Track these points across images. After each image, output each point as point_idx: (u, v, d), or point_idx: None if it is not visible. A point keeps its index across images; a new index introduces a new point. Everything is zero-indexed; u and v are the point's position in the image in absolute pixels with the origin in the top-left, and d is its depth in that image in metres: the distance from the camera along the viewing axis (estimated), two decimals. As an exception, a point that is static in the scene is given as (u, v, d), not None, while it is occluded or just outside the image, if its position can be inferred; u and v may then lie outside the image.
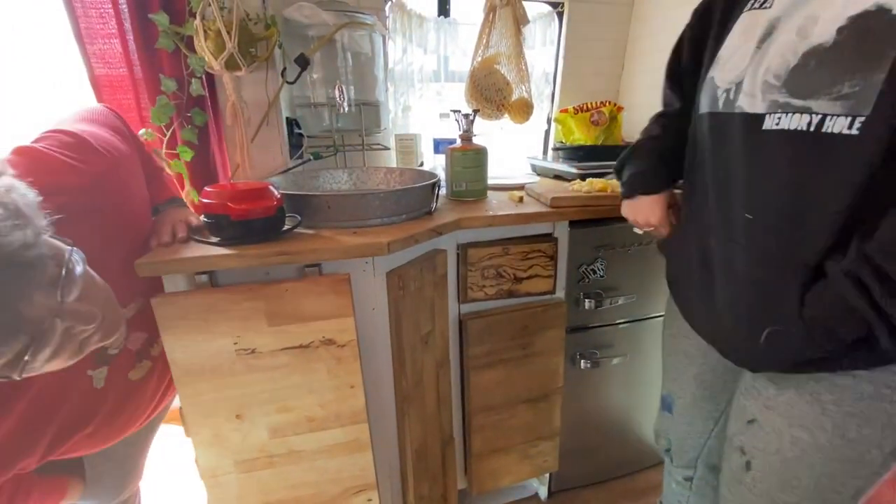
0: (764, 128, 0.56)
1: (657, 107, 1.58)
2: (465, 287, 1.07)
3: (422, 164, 1.40)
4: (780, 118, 0.55)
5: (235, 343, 0.75)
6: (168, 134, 1.09)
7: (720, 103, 0.64)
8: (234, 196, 0.75)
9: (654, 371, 1.45)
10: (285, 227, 0.83)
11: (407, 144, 1.40)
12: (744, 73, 0.60)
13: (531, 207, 1.08)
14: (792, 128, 0.53)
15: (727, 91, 0.63)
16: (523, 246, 1.09)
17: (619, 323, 1.32)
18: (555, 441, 1.31)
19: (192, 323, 0.73)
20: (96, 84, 1.06)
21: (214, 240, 0.77)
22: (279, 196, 0.81)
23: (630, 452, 1.54)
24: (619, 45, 1.63)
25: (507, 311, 1.12)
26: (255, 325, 0.75)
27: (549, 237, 1.12)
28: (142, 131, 1.06)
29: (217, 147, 1.15)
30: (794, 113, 0.53)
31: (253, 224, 0.77)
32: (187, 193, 1.12)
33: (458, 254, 1.06)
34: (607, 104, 1.47)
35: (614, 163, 1.48)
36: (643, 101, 1.59)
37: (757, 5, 0.61)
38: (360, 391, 0.82)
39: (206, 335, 0.74)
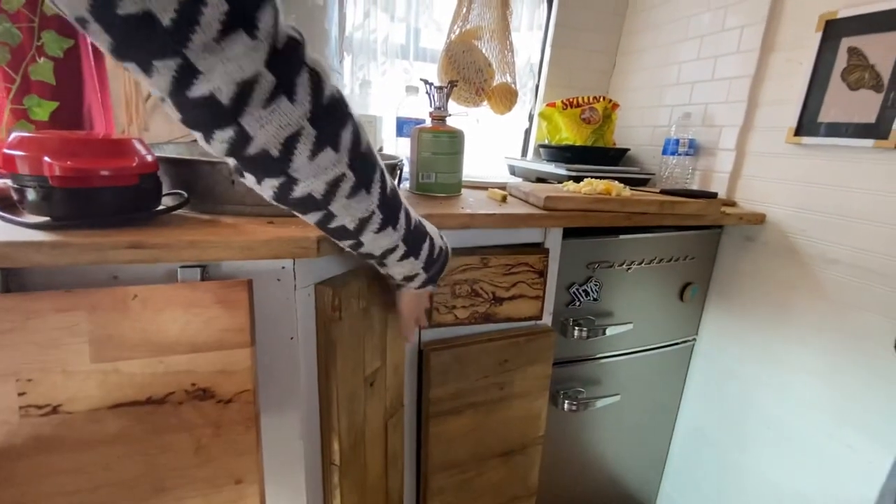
0: None
1: (652, 109, 1.40)
2: (430, 307, 0.81)
3: (381, 150, 1.14)
4: None
5: (22, 394, 0.44)
6: (18, 81, 0.76)
7: None
8: (60, 147, 0.45)
9: (648, 412, 1.24)
10: (160, 207, 0.54)
11: (364, 127, 1.13)
12: None
13: (518, 209, 0.84)
14: None
15: None
16: (506, 257, 0.84)
17: (611, 356, 1.09)
18: (530, 502, 1.05)
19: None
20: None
21: (26, 218, 0.47)
22: (151, 159, 0.52)
23: (611, 502, 1.31)
24: (613, 38, 1.45)
25: (482, 339, 0.86)
26: (68, 358, 0.44)
27: (538, 247, 0.89)
28: None
29: (96, 102, 0.83)
30: None
31: (96, 196, 0.47)
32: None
33: (421, 263, 0.79)
34: (601, 100, 1.27)
35: (608, 168, 1.30)
36: (636, 102, 1.41)
37: None
38: (254, 487, 0.52)
39: (-21, 377, 0.43)
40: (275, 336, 0.55)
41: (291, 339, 0.56)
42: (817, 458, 0.97)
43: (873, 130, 0.84)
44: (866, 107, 0.85)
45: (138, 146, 0.51)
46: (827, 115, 0.91)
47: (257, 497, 0.51)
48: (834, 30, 0.89)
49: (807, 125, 0.94)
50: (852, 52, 0.87)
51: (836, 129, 0.89)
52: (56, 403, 0.44)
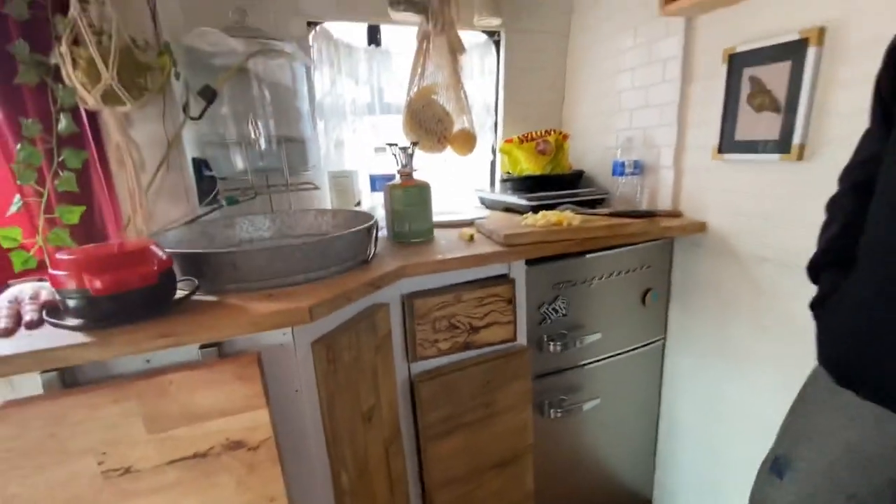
0: None
1: (601, 133, 1.57)
2: (415, 344, 0.92)
3: (359, 204, 1.26)
4: None
5: (101, 463, 0.55)
6: (45, 194, 0.87)
7: None
8: (91, 264, 0.56)
9: (630, 409, 1.35)
10: (178, 296, 0.66)
11: (342, 182, 1.26)
12: None
13: (483, 247, 0.96)
14: None
15: None
16: (477, 291, 0.96)
17: (587, 363, 1.21)
18: (529, 506, 1.15)
19: (33, 443, 0.52)
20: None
21: (73, 322, 0.58)
22: (165, 257, 0.64)
23: (611, 497, 1.41)
24: (559, 75, 1.60)
25: (464, 366, 0.98)
26: (129, 434, 0.55)
27: (504, 279, 1.00)
28: (14, 206, 0.83)
29: (105, 199, 0.94)
30: None
31: (127, 298, 0.59)
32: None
33: (403, 307, 0.91)
34: (552, 132, 1.41)
35: (566, 192, 1.43)
36: (586, 128, 1.55)
37: None
38: (283, 500, 0.63)
39: (56, 457, 0.54)
40: (282, 391, 0.66)
41: (297, 391, 0.67)
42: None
43: (778, 146, 0.97)
44: (770, 126, 0.99)
45: (155, 249, 0.63)
46: (741, 133, 1.05)
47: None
48: (736, 62, 1.04)
49: (726, 143, 1.08)
50: (753, 80, 1.01)
51: (748, 146, 1.03)
52: (127, 465, 0.55)
